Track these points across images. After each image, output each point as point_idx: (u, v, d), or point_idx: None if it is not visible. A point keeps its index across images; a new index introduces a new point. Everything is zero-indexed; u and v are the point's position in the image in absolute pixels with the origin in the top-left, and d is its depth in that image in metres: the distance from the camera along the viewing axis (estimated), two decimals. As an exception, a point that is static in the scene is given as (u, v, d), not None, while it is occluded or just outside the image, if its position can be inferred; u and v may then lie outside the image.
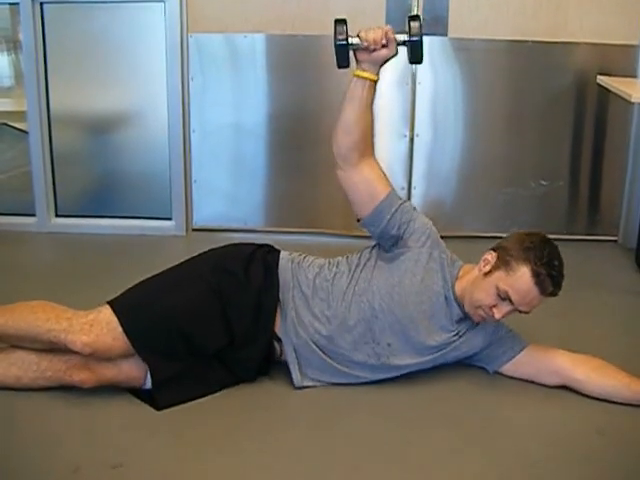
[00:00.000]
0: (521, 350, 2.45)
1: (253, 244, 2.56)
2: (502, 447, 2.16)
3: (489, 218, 3.92)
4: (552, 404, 2.38)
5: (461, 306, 2.37)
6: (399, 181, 3.93)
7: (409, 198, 3.94)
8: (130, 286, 2.40)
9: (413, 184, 3.96)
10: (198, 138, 3.94)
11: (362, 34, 2.22)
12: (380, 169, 2.40)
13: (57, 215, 4.06)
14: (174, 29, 3.78)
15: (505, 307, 2.26)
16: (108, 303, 2.31)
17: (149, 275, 2.44)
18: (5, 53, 4.59)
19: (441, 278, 2.36)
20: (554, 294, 2.26)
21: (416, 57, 2.27)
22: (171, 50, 3.82)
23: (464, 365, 2.52)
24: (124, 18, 3.85)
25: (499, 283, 2.25)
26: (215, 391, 2.37)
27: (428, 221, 2.41)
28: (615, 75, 3.69)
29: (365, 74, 2.29)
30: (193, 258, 2.51)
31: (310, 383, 2.42)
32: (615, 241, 3.99)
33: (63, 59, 3.91)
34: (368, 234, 2.46)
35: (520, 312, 2.29)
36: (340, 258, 2.49)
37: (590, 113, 3.90)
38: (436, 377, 2.47)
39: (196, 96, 3.89)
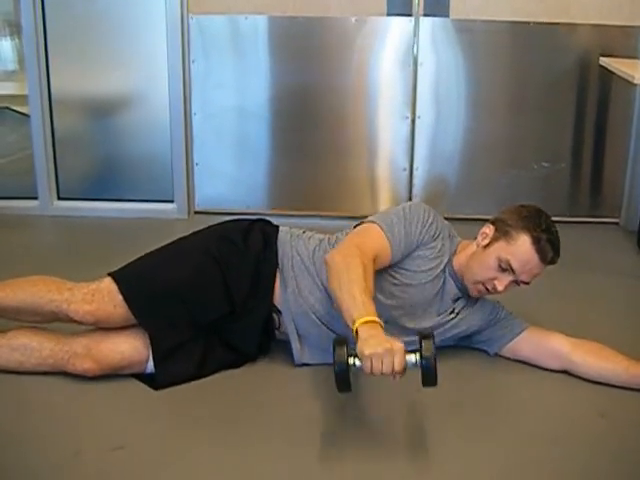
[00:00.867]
0: (521, 332, 2.46)
1: (252, 218, 2.59)
2: (503, 429, 2.17)
3: (491, 200, 3.90)
4: (554, 387, 2.38)
5: (459, 282, 2.38)
6: (401, 162, 3.95)
7: (411, 180, 3.97)
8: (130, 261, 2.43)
9: (415, 165, 3.96)
10: (200, 120, 3.94)
11: (367, 364, 1.87)
12: (374, 247, 2.25)
13: (59, 198, 4.06)
14: (175, 11, 3.78)
15: (506, 278, 2.27)
16: (109, 274, 2.34)
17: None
18: (8, 37, 4.58)
19: (442, 261, 2.36)
20: (553, 261, 2.28)
21: (429, 382, 1.91)
22: (172, 32, 3.81)
23: (465, 347, 2.53)
24: (125, 0, 3.84)
25: (500, 253, 2.26)
26: (215, 371, 2.38)
27: (425, 213, 2.35)
28: (617, 56, 3.68)
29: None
30: (193, 233, 2.53)
31: (309, 360, 2.43)
32: (617, 223, 3.99)
33: (64, 42, 3.89)
34: (370, 216, 2.44)
35: (519, 284, 2.30)
36: (339, 234, 2.48)
37: (592, 95, 3.89)
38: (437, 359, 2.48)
39: (197, 78, 3.89)
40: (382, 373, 1.85)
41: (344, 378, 1.88)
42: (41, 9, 3.81)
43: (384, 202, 4.03)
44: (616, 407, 2.27)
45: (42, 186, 4.00)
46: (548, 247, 2.24)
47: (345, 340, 1.92)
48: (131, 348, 2.29)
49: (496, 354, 2.50)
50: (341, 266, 2.09)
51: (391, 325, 2.34)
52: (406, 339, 2.36)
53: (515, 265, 2.24)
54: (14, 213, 3.98)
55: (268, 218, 2.62)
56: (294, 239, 2.48)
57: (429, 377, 1.89)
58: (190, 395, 2.29)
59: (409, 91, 3.87)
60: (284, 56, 3.90)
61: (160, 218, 3.96)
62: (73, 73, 3.96)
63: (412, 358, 1.90)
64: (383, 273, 2.32)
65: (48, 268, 3.05)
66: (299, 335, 2.42)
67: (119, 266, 2.41)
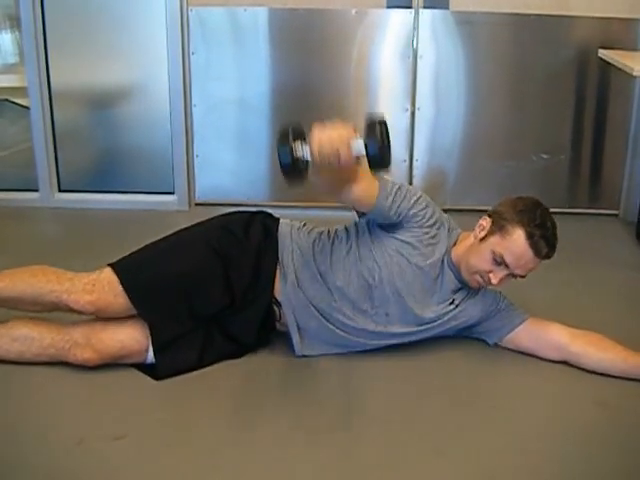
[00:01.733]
0: (520, 323, 2.47)
1: (253, 211, 2.59)
2: (501, 418, 2.19)
3: (491, 191, 3.91)
4: (551, 376, 2.40)
5: (458, 273, 2.39)
6: (401, 154, 3.95)
7: (411, 171, 3.97)
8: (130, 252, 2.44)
9: (415, 157, 3.97)
10: (200, 113, 3.95)
11: (312, 146, 1.86)
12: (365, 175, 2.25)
13: (60, 190, 4.07)
14: (174, 2, 3.78)
15: (501, 272, 2.28)
16: (109, 265, 2.35)
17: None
18: (8, 30, 4.58)
19: (439, 250, 2.37)
20: (548, 256, 2.27)
21: (377, 166, 1.90)
22: (172, 24, 3.81)
23: (464, 337, 2.54)
24: (124, -9, 3.86)
25: (495, 247, 2.27)
26: (215, 361, 2.39)
27: (423, 199, 2.37)
28: (617, 49, 3.68)
29: None
30: (193, 225, 2.54)
31: (309, 352, 2.44)
32: (616, 215, 4.00)
33: (63, 34, 3.90)
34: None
35: (515, 277, 2.31)
36: (339, 227, 2.51)
37: (592, 87, 3.90)
38: (436, 349, 2.49)
39: (197, 70, 3.89)
40: (328, 146, 1.83)
41: (287, 164, 1.86)
42: (40, 1, 3.81)
43: (384, 194, 4.03)
44: (614, 397, 2.28)
45: (43, 178, 4.01)
46: (542, 243, 2.24)
47: (288, 132, 1.89)
48: (131, 338, 2.30)
49: (495, 344, 2.52)
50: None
51: (391, 314, 2.38)
52: (406, 330, 2.41)
53: (509, 259, 2.25)
54: (15, 205, 4.00)
55: (268, 210, 2.64)
56: (294, 232, 2.49)
57: (375, 159, 1.85)
58: (191, 385, 2.30)
59: (409, 83, 3.88)
60: (284, 48, 3.90)
61: (161, 210, 3.97)
62: (73, 65, 3.96)
63: (359, 145, 1.84)
64: (379, 251, 2.35)
65: (49, 260, 3.05)
66: (299, 327, 2.44)
67: (120, 257, 2.41)
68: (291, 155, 1.86)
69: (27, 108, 4.08)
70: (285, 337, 2.47)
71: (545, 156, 3.95)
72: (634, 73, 3.17)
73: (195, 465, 1.95)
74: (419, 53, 3.83)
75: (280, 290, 2.42)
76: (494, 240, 2.28)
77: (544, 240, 2.24)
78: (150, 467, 1.94)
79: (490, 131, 3.97)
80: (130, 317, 2.32)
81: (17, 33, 4.66)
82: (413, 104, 3.90)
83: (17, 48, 4.72)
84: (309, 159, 1.87)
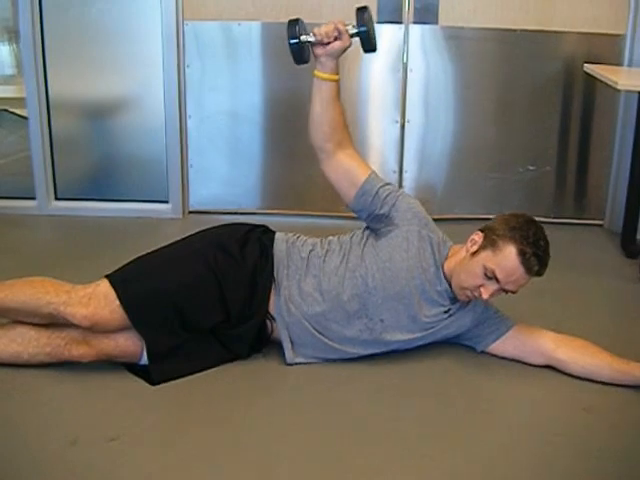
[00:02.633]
0: (507, 330, 2.49)
1: (249, 224, 2.60)
2: (489, 423, 2.21)
3: (479, 201, 3.97)
4: (539, 382, 2.41)
5: (449, 285, 2.41)
6: (391, 165, 3.99)
7: (400, 182, 4.00)
8: (128, 261, 2.45)
9: (404, 168, 4.00)
10: (194, 123, 3.99)
11: (315, 30, 2.31)
12: (359, 157, 2.49)
13: (57, 198, 4.09)
14: (170, 16, 3.82)
15: (492, 286, 2.29)
16: (106, 277, 2.35)
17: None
18: (7, 43, 4.61)
19: (431, 256, 2.39)
20: (540, 273, 2.29)
21: (368, 46, 2.35)
22: (167, 37, 3.85)
23: (452, 344, 2.55)
24: (121, 5, 3.87)
25: (486, 262, 2.28)
26: (210, 367, 2.41)
27: (415, 201, 2.46)
28: (601, 63, 3.72)
29: (324, 75, 2.42)
30: (190, 236, 2.55)
31: (302, 360, 2.45)
32: (601, 225, 4.03)
33: (61, 46, 3.93)
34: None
35: (506, 292, 2.33)
36: (332, 237, 2.53)
37: (577, 100, 3.94)
38: (425, 355, 2.50)
39: (192, 82, 3.93)
40: (326, 33, 2.31)
41: (296, 50, 2.36)
42: (39, 14, 3.85)
43: (374, 203, 4.07)
44: (600, 402, 2.31)
45: (40, 186, 4.03)
46: (534, 260, 2.24)
47: (297, 19, 2.36)
48: (126, 339, 2.32)
49: (483, 351, 2.53)
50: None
51: (386, 320, 2.40)
52: (400, 337, 2.43)
53: (500, 275, 2.26)
54: (12, 213, 4.02)
55: (260, 218, 2.65)
56: (289, 246, 2.50)
57: (366, 41, 2.33)
58: (185, 388, 2.31)
59: (399, 96, 3.92)
60: (276, 61, 3.93)
61: (155, 218, 3.99)
62: (70, 77, 3.99)
63: (352, 28, 2.34)
64: (371, 257, 2.39)
65: (45, 267, 3.08)
66: (292, 342, 2.45)
67: (115, 265, 2.42)
68: (298, 33, 2.32)
69: (25, 118, 4.10)
70: (278, 344, 2.47)
71: (531, 167, 3.99)
72: (618, 87, 3.21)
73: (189, 467, 1.96)
74: (409, 67, 3.87)
75: (274, 305, 2.44)
76: (486, 255, 2.29)
77: (536, 258, 2.25)
78: (144, 468, 1.95)
79: (478, 143, 4.01)
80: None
81: (15, 45, 4.70)
82: (403, 117, 3.94)
83: (15, 60, 4.76)
84: (312, 40, 2.33)
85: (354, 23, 2.34)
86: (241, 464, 1.99)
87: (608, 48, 3.81)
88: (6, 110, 4.61)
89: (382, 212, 2.42)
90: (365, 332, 2.41)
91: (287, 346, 2.44)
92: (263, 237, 2.54)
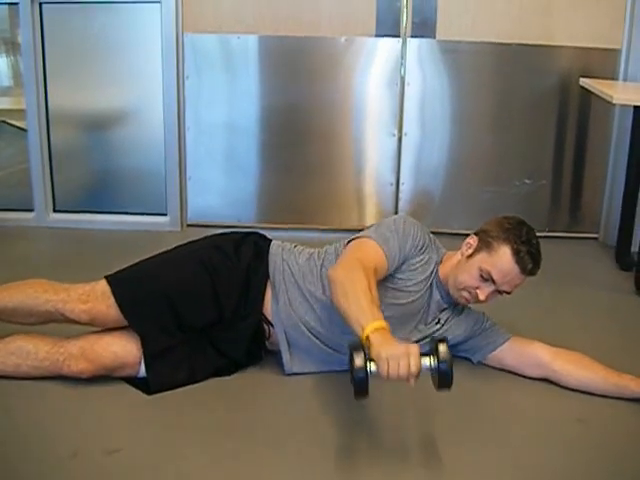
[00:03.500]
0: (504, 342, 2.51)
1: (248, 231, 2.64)
2: (483, 434, 2.21)
3: (475, 215, 3.89)
4: (533, 394, 2.43)
5: (445, 291, 2.43)
6: (388, 178, 4.02)
7: (397, 195, 4.03)
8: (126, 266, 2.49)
9: (401, 181, 4.02)
10: (193, 136, 4.00)
11: (383, 367, 1.86)
12: (373, 259, 2.30)
13: (55, 210, 4.10)
14: (170, 29, 3.84)
15: (488, 288, 2.32)
16: (104, 277, 2.40)
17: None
18: (4, 54, 4.63)
19: (428, 272, 2.41)
20: (533, 272, 2.31)
21: (445, 384, 1.92)
22: (167, 50, 3.86)
23: (449, 355, 2.59)
24: (121, 18, 3.90)
25: (482, 264, 2.31)
26: (207, 377, 2.42)
27: (414, 232, 2.40)
28: (597, 77, 3.75)
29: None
30: (189, 241, 2.59)
31: (299, 370, 2.47)
32: (596, 238, 4.05)
33: (61, 58, 3.95)
34: (358, 229, 2.53)
35: (502, 293, 2.35)
36: (328, 246, 2.54)
37: (573, 114, 3.97)
38: None
39: (191, 95, 3.94)
40: (398, 376, 1.84)
41: (363, 384, 1.84)
42: (40, 25, 3.87)
43: (371, 216, 4.09)
44: (594, 413, 2.32)
45: (38, 198, 4.04)
46: (528, 258, 2.28)
47: (361, 345, 1.89)
48: (124, 349, 2.33)
49: (479, 362, 2.55)
50: (346, 279, 2.10)
51: None
52: None
53: (496, 276, 2.29)
54: (11, 224, 4.03)
55: (258, 231, 2.67)
56: (285, 252, 2.53)
57: (445, 380, 1.89)
58: (184, 401, 2.31)
59: (396, 109, 3.94)
60: (274, 74, 3.96)
61: (153, 230, 3.99)
62: (70, 89, 4.01)
63: (427, 361, 1.90)
64: (378, 286, 2.36)
65: (44, 278, 3.10)
66: (290, 346, 2.46)
67: (116, 271, 2.45)
68: (367, 379, 1.86)
69: (23, 129, 4.11)
70: (275, 355, 2.49)
71: (527, 181, 4.01)
72: (613, 101, 3.22)
73: (189, 479, 1.97)
74: (406, 80, 3.90)
75: (272, 310, 2.45)
76: (481, 257, 2.32)
77: (529, 256, 2.28)
78: (145, 480, 1.95)
79: (474, 156, 4.03)
80: (124, 330, 2.35)
81: (12, 57, 4.71)
82: (400, 130, 3.96)
83: (12, 72, 4.76)
84: (374, 373, 1.88)
85: (429, 354, 1.93)
86: (242, 476, 1.99)
87: (604, 62, 3.84)
88: (5, 122, 4.61)
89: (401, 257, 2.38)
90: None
91: (285, 350, 2.46)
92: (259, 241, 2.58)
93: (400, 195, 4.04)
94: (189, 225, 4.10)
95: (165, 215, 4.08)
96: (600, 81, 3.66)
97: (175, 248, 2.57)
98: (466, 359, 2.58)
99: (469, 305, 2.49)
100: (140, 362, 2.34)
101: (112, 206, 4.11)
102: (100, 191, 4.19)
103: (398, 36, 3.85)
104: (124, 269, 2.47)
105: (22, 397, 2.30)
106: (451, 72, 3.93)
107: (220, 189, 4.11)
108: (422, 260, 2.41)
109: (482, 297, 2.34)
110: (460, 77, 3.95)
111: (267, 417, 2.27)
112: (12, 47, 4.51)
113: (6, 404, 2.27)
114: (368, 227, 2.47)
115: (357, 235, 2.42)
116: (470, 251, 2.37)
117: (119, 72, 3.98)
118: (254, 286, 2.46)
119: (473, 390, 2.45)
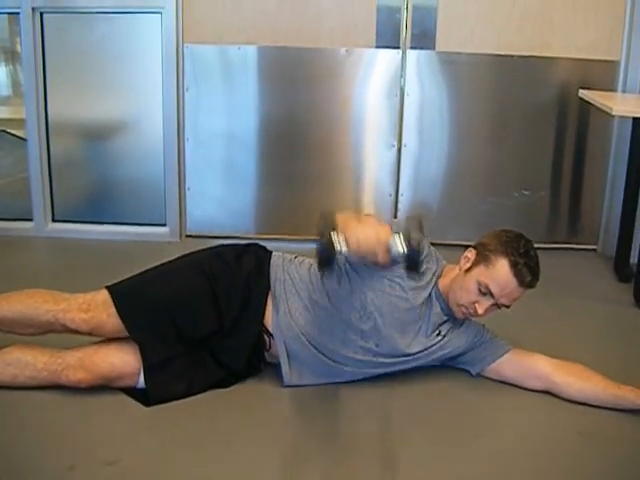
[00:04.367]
0: (504, 354, 2.51)
1: (248, 243, 2.65)
2: (485, 448, 2.21)
3: (473, 226, 3.94)
4: (534, 406, 2.43)
5: (445, 304, 2.43)
6: (387, 189, 4.02)
7: (396, 205, 4.03)
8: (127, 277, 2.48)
9: (400, 192, 4.03)
10: (192, 146, 4.00)
11: (352, 242, 2.01)
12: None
13: (54, 220, 4.10)
14: (170, 40, 3.84)
15: (486, 302, 2.32)
16: (105, 287, 2.40)
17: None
18: (4, 64, 4.64)
19: (427, 282, 2.42)
20: (532, 285, 2.32)
21: (411, 270, 2.07)
22: (167, 60, 3.87)
23: (448, 367, 2.56)
24: (122, 28, 3.90)
25: (480, 277, 2.31)
26: (205, 389, 2.41)
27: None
28: (596, 89, 3.76)
29: None
30: (192, 252, 2.59)
31: (297, 382, 2.46)
32: (594, 250, 4.06)
33: (61, 68, 3.95)
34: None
35: (501, 307, 2.35)
36: None
37: (572, 125, 3.98)
38: (421, 379, 2.51)
39: (191, 105, 3.94)
40: (367, 241, 1.98)
41: (326, 251, 1.96)
42: (40, 35, 3.87)
43: (370, 227, 4.08)
44: (595, 426, 2.32)
45: (37, 208, 4.04)
46: (525, 271, 2.28)
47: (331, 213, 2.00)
48: (122, 360, 2.33)
49: (479, 374, 2.55)
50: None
51: (381, 346, 2.41)
52: (395, 360, 2.44)
53: (494, 289, 2.30)
54: (9, 234, 4.02)
55: (257, 242, 2.68)
56: (286, 263, 2.54)
57: (412, 264, 2.00)
58: (182, 412, 2.31)
59: (396, 120, 3.95)
60: (274, 85, 3.96)
61: (152, 241, 3.99)
62: (70, 98, 4.01)
63: (396, 246, 1.98)
64: (376, 291, 2.39)
65: (43, 288, 3.09)
66: (289, 357, 2.46)
67: (117, 281, 2.45)
68: (331, 250, 1.96)
69: (22, 139, 4.11)
70: (274, 367, 2.49)
71: (526, 192, 4.01)
72: (613, 113, 3.23)
73: None
74: (406, 91, 3.91)
75: (272, 320, 2.45)
76: (479, 270, 2.33)
77: (527, 269, 2.28)
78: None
79: (473, 168, 4.04)
80: (123, 342, 2.35)
81: (12, 66, 4.72)
82: (399, 140, 3.97)
83: (12, 81, 4.77)
84: (345, 251, 1.97)
85: (400, 236, 2.02)
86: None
87: (603, 74, 3.85)
88: (4, 131, 4.61)
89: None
90: (359, 353, 2.42)
91: (284, 361, 2.45)
92: (260, 252, 2.59)
93: (399, 206, 4.04)
94: (188, 236, 4.10)
95: (164, 225, 4.08)
96: (599, 92, 3.67)
97: (177, 259, 2.57)
98: (465, 371, 2.58)
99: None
100: (139, 373, 2.34)
101: (111, 216, 4.11)
102: (99, 201, 4.19)
103: (398, 47, 3.86)
104: (125, 279, 2.46)
105: (19, 409, 2.29)
106: (450, 83, 3.94)
107: (219, 200, 4.11)
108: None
109: (480, 311, 2.34)
110: (459, 88, 3.96)
111: (265, 429, 2.26)
112: (12, 56, 4.51)
113: (3, 416, 2.26)
114: None
115: None
116: (468, 265, 2.38)
117: (119, 82, 3.99)
118: (255, 296, 2.46)
119: (472, 403, 2.46)
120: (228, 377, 2.47)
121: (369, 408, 2.39)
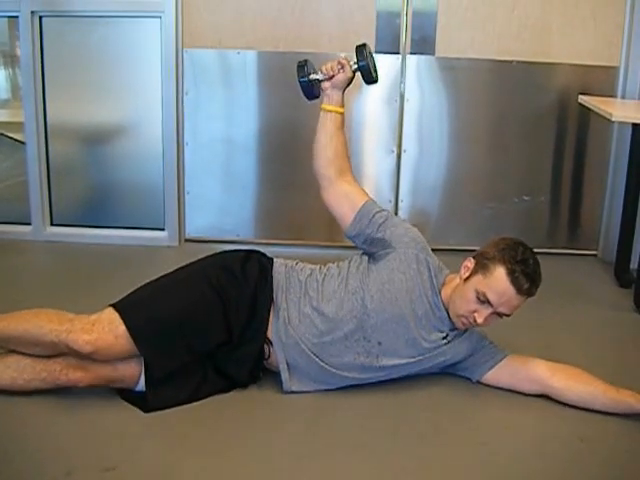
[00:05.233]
0: (502, 359, 2.50)
1: (249, 249, 2.63)
2: (485, 455, 2.20)
3: (473, 231, 3.99)
4: (534, 412, 2.42)
5: (446, 313, 2.43)
6: (387, 195, 4.01)
7: (396, 211, 4.01)
8: (129, 292, 2.43)
9: (400, 198, 4.02)
10: (191, 151, 4.00)
11: (321, 67, 2.56)
12: (358, 185, 2.59)
13: (52, 224, 4.10)
14: (169, 44, 3.84)
15: (485, 310, 2.31)
16: (110, 305, 2.34)
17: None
18: (2, 67, 4.64)
19: (428, 279, 2.42)
20: (531, 293, 2.31)
21: (369, 78, 2.56)
22: (166, 64, 3.87)
23: (448, 374, 2.56)
24: (121, 32, 3.91)
25: (477, 286, 2.31)
26: (206, 396, 2.40)
27: (412, 227, 2.51)
28: (596, 95, 3.76)
29: (330, 107, 2.58)
30: (193, 262, 2.56)
31: (298, 388, 2.46)
32: (595, 255, 4.06)
33: (60, 72, 3.95)
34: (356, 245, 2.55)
35: (501, 316, 2.35)
36: (331, 264, 2.55)
37: (571, 131, 3.98)
38: (420, 385, 2.51)
39: (190, 110, 3.94)
40: (331, 67, 2.54)
41: (307, 87, 2.58)
42: (39, 38, 3.88)
43: (370, 232, 4.08)
44: (595, 431, 2.31)
45: (36, 212, 4.04)
46: (523, 278, 2.27)
47: (305, 61, 2.61)
48: (125, 363, 2.31)
49: (478, 381, 2.54)
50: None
51: (384, 343, 2.40)
52: (397, 362, 2.44)
53: (492, 297, 2.29)
54: (7, 238, 4.02)
55: (256, 247, 2.66)
56: (288, 270, 2.53)
57: (365, 74, 2.54)
58: (181, 418, 2.30)
59: (396, 126, 3.95)
60: (273, 90, 3.96)
61: (151, 245, 3.99)
62: (69, 102, 4.01)
63: (353, 63, 2.54)
64: (370, 279, 2.41)
65: (40, 292, 3.08)
66: (288, 365, 2.45)
67: (111, 292, 2.43)
68: (307, 73, 2.54)
69: (21, 142, 4.11)
70: (273, 373, 2.48)
71: (526, 198, 4.01)
72: (612, 118, 3.23)
73: None
74: (406, 97, 3.91)
75: (272, 328, 2.44)
76: (477, 279, 2.32)
77: (525, 276, 2.27)
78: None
79: (473, 173, 4.03)
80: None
81: (11, 70, 4.72)
82: (399, 146, 3.96)
83: (11, 84, 4.77)
84: (320, 77, 2.55)
85: (355, 60, 2.54)
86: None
87: (602, 80, 3.85)
88: (3, 134, 4.61)
89: (378, 236, 2.46)
90: (362, 355, 2.42)
91: (284, 368, 2.45)
92: (262, 259, 2.58)
93: (399, 212, 4.03)
94: (187, 240, 4.09)
95: (163, 230, 4.08)
96: (599, 98, 3.68)
97: (180, 269, 2.53)
98: (465, 378, 2.57)
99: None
100: (139, 375, 2.33)
101: (110, 220, 4.11)
102: (98, 205, 4.18)
103: (398, 53, 3.87)
104: (129, 295, 2.41)
105: (14, 414, 2.28)
106: (450, 89, 3.94)
107: (219, 204, 4.11)
108: (408, 254, 2.43)
109: (480, 320, 2.34)
110: (459, 94, 3.96)
111: (265, 435, 2.26)
112: (11, 60, 4.52)
113: (0, 421, 2.25)
114: None
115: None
116: (467, 274, 2.38)
117: (118, 86, 3.99)
118: (260, 307, 2.45)
119: (471, 409, 2.46)
120: (229, 387, 2.46)
121: (369, 414, 2.39)
